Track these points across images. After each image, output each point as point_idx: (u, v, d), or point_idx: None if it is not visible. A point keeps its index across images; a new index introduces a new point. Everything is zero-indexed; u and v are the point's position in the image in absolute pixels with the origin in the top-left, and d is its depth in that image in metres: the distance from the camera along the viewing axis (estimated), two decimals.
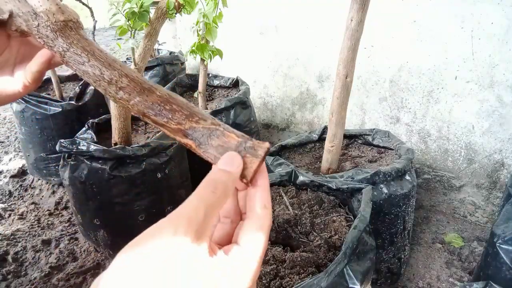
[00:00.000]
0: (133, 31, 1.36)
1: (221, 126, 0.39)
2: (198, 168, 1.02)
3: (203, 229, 0.32)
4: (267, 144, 0.38)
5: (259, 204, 0.37)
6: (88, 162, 1.41)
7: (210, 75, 2.26)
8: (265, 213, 0.37)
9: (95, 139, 1.50)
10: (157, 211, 1.51)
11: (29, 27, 0.43)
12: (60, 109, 1.97)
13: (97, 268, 1.56)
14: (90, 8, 1.64)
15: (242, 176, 0.37)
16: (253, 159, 0.37)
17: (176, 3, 1.32)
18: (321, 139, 1.51)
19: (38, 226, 1.81)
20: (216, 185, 0.35)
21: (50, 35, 0.43)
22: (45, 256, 1.62)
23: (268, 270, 0.79)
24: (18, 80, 0.52)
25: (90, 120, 1.62)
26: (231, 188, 0.36)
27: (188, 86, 2.26)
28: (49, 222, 1.84)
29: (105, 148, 1.38)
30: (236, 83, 2.16)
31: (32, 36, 0.45)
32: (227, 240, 0.40)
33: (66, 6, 0.45)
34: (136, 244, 0.30)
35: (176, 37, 2.96)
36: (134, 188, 1.44)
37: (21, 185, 2.15)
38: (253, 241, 0.35)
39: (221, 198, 0.35)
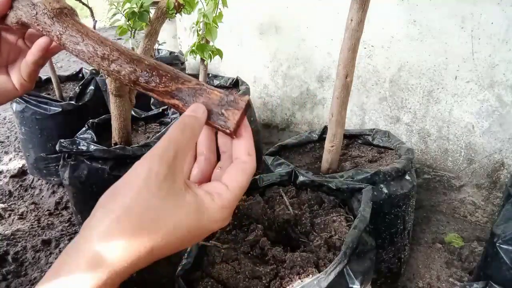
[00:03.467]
0: (133, 31, 1.36)
1: (205, 85, 0.43)
2: None
3: (175, 165, 0.36)
4: (247, 97, 0.42)
5: (244, 152, 0.41)
6: (88, 162, 1.41)
7: (210, 75, 2.26)
8: (249, 159, 0.41)
9: (95, 139, 1.50)
10: None
11: (28, 17, 0.48)
12: (60, 109, 1.97)
13: None
14: (90, 8, 1.64)
15: (226, 127, 0.41)
16: (235, 111, 0.41)
17: (176, 3, 1.32)
18: (321, 139, 1.51)
19: (38, 226, 1.81)
20: (184, 127, 0.38)
21: (47, 21, 0.47)
22: (45, 256, 1.62)
23: (268, 270, 0.79)
24: (13, 79, 0.54)
25: (90, 120, 1.62)
26: (198, 129, 0.40)
27: None
28: (49, 222, 1.84)
29: (105, 148, 1.38)
30: (236, 83, 2.16)
31: (31, 27, 0.49)
32: (205, 178, 0.45)
33: None
34: (116, 191, 0.36)
35: (176, 37, 2.96)
36: None
37: (21, 185, 2.15)
38: (237, 181, 0.40)
39: (190, 138, 0.39)
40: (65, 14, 0.47)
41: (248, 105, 0.42)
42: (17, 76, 0.54)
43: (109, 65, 0.45)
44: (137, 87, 0.45)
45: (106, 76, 1.37)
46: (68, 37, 0.46)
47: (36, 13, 0.47)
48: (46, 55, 0.52)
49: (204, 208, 0.37)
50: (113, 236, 0.32)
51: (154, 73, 0.44)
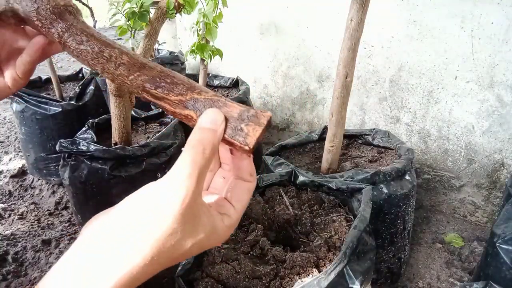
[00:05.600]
0: (133, 31, 1.36)
1: (223, 98, 0.40)
2: None
3: (198, 189, 0.36)
4: (269, 113, 0.38)
5: (247, 172, 0.43)
6: (88, 162, 1.41)
7: (210, 75, 2.26)
8: (252, 179, 0.43)
9: (95, 139, 1.50)
10: None
11: (26, 12, 0.43)
12: (60, 109, 1.97)
13: None
14: (90, 8, 1.64)
15: (245, 144, 0.37)
16: (256, 127, 0.37)
17: (176, 3, 1.32)
18: (321, 139, 1.51)
19: (38, 226, 1.81)
20: (205, 146, 0.36)
21: (49, 17, 0.43)
22: (45, 256, 1.62)
23: (268, 270, 0.79)
24: (6, 76, 0.51)
25: (90, 120, 1.62)
26: (217, 144, 0.38)
27: None
28: (49, 222, 1.84)
29: (105, 148, 1.38)
30: (236, 83, 2.16)
31: (28, 22, 0.44)
32: (207, 184, 0.46)
33: None
34: (140, 215, 0.35)
35: (176, 37, 2.96)
36: (134, 188, 1.41)
37: (21, 185, 2.14)
38: (242, 201, 0.42)
39: (211, 157, 0.37)
40: (69, 12, 0.44)
41: (270, 121, 0.39)
42: (10, 73, 0.50)
43: (116, 68, 0.41)
44: (145, 94, 0.41)
45: (110, 82, 1.36)
46: (71, 35, 0.42)
47: (37, 8, 0.43)
48: (42, 57, 0.49)
49: (216, 230, 0.39)
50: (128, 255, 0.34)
51: (167, 79, 0.40)
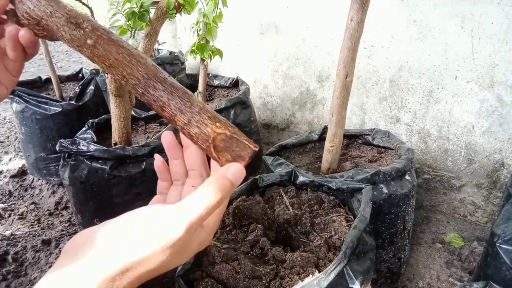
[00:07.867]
0: (133, 31, 1.36)
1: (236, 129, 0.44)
2: None
3: (198, 224, 0.38)
4: (257, 147, 0.43)
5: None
6: (88, 162, 1.41)
7: (210, 75, 2.26)
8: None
9: (95, 139, 1.50)
10: None
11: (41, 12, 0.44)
12: (60, 109, 1.97)
13: None
14: (90, 8, 1.63)
15: (251, 144, 0.43)
16: (242, 153, 0.42)
17: (176, 3, 1.32)
18: (321, 139, 1.51)
19: (38, 226, 1.81)
20: (223, 195, 0.39)
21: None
22: (45, 256, 1.62)
23: (268, 270, 0.79)
24: (2, 79, 0.50)
25: (90, 120, 1.62)
26: (228, 197, 0.41)
27: (188, 86, 2.26)
28: (49, 222, 1.84)
29: (105, 148, 1.38)
30: (236, 83, 2.16)
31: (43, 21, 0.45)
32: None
33: None
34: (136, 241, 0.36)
35: (176, 37, 2.96)
36: (134, 188, 1.44)
37: (21, 185, 2.14)
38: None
39: (221, 204, 0.40)
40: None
41: (253, 156, 0.43)
42: (3, 74, 0.49)
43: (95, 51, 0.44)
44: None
45: (110, 81, 1.37)
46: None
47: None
48: (31, 48, 0.48)
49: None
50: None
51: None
